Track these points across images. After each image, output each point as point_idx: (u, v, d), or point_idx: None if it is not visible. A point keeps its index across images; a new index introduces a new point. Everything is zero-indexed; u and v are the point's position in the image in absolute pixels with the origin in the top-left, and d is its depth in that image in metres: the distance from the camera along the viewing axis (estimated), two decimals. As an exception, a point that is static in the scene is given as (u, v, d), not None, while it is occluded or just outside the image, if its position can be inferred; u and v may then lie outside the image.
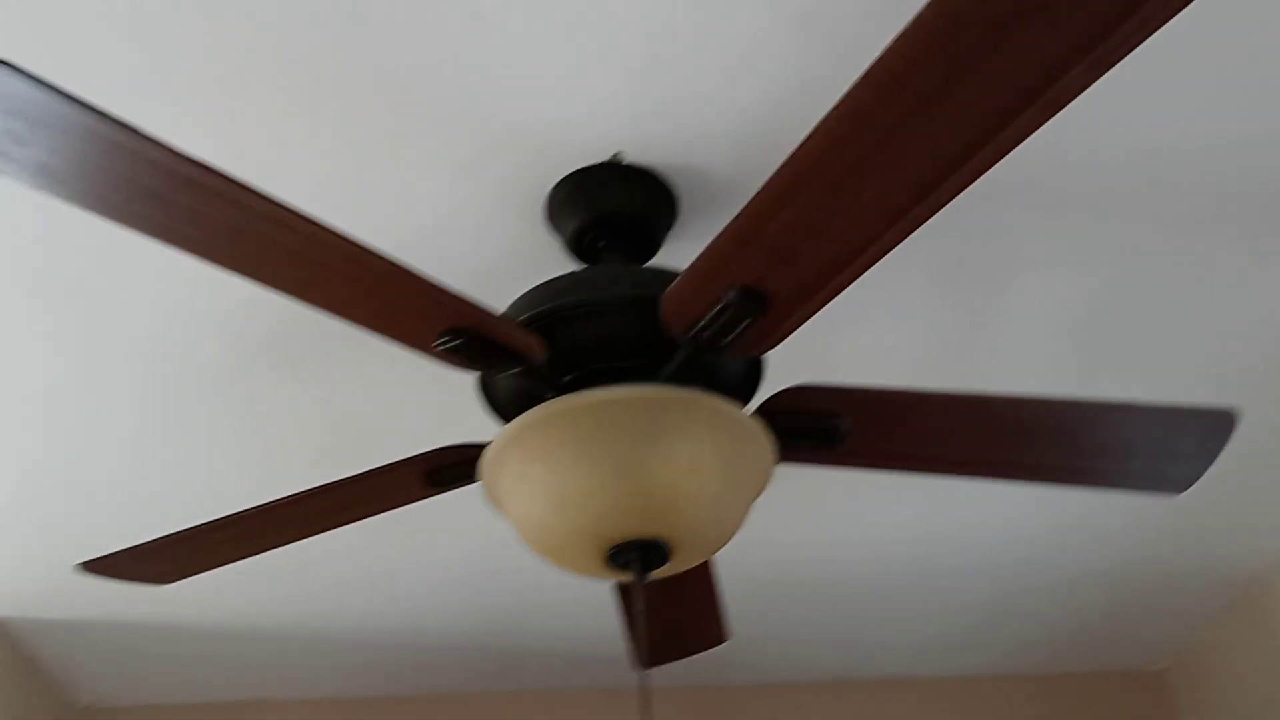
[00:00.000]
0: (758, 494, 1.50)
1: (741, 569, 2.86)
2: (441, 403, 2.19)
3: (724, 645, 3.24)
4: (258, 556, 2.64)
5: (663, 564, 1.41)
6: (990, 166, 1.13)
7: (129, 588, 2.76)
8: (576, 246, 1.72)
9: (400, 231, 1.79)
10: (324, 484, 1.66)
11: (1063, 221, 1.86)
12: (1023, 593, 3.08)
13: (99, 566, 1.82)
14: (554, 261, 1.86)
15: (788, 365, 2.11)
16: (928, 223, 1.24)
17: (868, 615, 3.16)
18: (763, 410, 1.54)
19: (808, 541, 2.77)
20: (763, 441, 1.46)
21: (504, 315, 1.41)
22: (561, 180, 1.72)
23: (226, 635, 3.02)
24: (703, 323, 1.34)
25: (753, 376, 1.58)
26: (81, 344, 2.00)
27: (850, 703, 3.53)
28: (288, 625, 2.99)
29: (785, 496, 2.57)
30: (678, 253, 1.84)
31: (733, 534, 1.49)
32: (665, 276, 1.49)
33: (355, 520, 1.75)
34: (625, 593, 2.04)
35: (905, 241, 1.24)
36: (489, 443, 1.45)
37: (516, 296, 1.77)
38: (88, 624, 2.94)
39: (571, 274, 1.53)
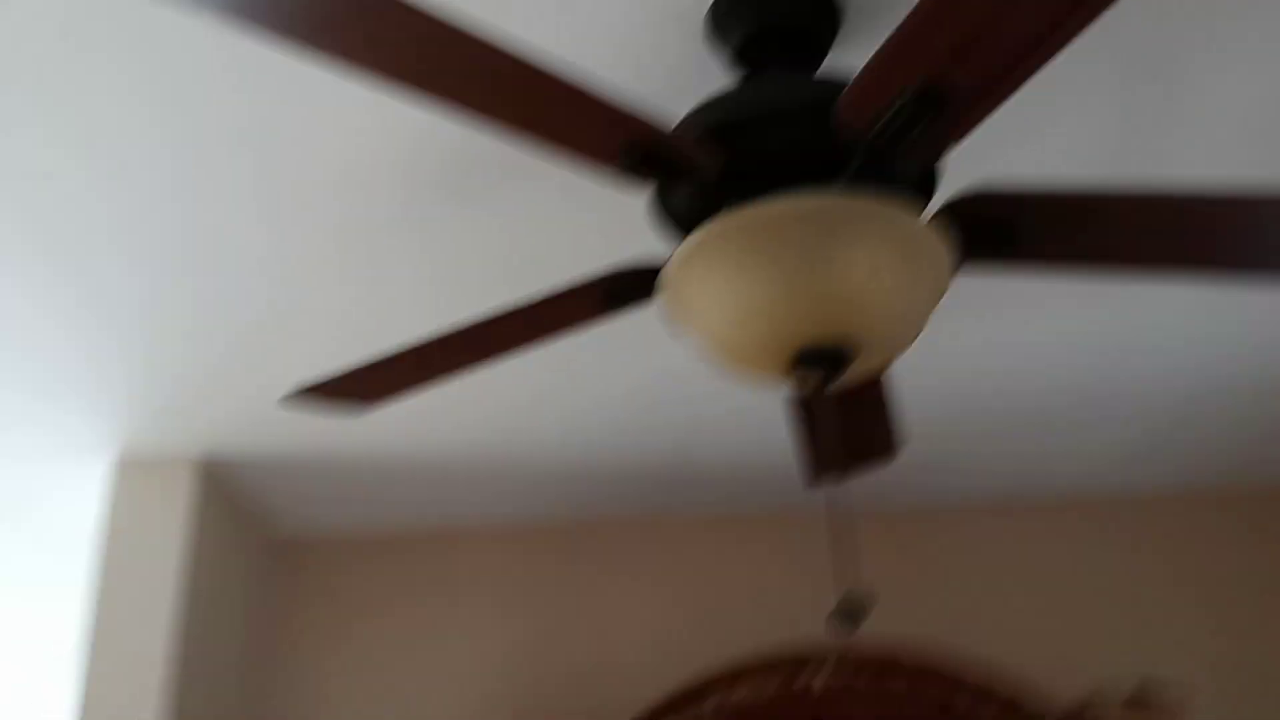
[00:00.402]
0: (937, 298, 1.49)
1: (917, 382, 2.86)
2: (609, 232, 2.21)
3: (897, 466, 3.28)
4: (444, 386, 2.76)
5: (846, 366, 1.43)
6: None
7: (324, 421, 2.92)
8: (740, 61, 1.70)
9: (562, 53, 1.80)
10: (506, 307, 1.72)
11: (1260, 3, 1.75)
12: (1206, 404, 3.01)
13: (298, 398, 1.93)
14: (717, 78, 1.84)
15: (965, 167, 2.06)
16: (1112, 9, 1.18)
17: (1045, 432, 3.13)
18: (941, 213, 1.52)
19: (984, 355, 2.74)
20: (941, 245, 1.45)
21: (678, 128, 1.42)
22: (722, -7, 1.69)
23: (415, 465, 3.18)
24: (880, 124, 1.32)
25: (930, 180, 1.56)
26: (263, 185, 2.07)
27: (1023, 524, 3.53)
28: (473, 454, 3.13)
29: (962, 308, 2.54)
30: (842, 64, 1.80)
31: (913, 338, 1.49)
32: (837, 83, 1.47)
33: (537, 342, 1.81)
34: (801, 407, 2.07)
35: (1087, 30, 1.19)
36: (666, 260, 1.48)
37: (685, 113, 1.77)
38: (285, 457, 3.12)
39: (742, 85, 1.52)
